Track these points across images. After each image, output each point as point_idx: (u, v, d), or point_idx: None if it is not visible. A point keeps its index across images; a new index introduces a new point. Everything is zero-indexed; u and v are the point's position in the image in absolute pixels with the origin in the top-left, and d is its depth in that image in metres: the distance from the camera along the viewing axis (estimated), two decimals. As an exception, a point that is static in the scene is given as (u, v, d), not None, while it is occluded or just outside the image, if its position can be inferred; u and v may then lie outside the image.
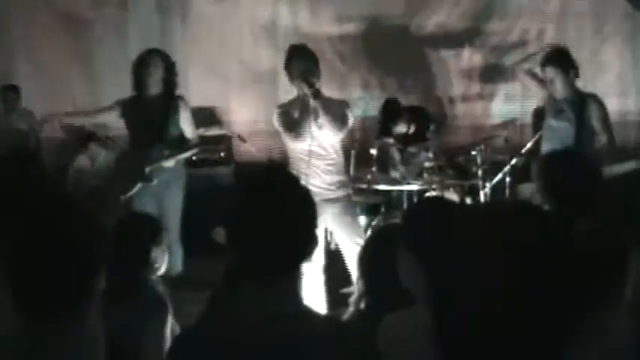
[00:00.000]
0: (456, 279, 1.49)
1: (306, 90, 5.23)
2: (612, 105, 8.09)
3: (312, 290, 5.11)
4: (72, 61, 8.50)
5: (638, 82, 8.26)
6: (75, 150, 8.09)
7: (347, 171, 5.66)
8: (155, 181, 5.80)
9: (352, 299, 2.96)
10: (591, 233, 2.65)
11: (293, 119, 5.36)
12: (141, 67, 5.92)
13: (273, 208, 2.12)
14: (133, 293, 3.31)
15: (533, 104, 7.91)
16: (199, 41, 8.47)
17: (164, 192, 5.91)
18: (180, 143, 5.99)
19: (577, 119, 5.58)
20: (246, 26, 8.44)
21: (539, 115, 7.55)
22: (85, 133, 7.90)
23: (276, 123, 5.46)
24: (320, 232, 5.28)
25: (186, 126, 6.02)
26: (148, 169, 5.81)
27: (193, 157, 7.63)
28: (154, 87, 5.91)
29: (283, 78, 8.29)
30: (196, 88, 8.39)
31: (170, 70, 6.00)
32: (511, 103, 8.29)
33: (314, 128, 5.31)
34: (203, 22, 8.47)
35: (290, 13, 8.44)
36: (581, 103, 5.65)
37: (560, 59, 5.63)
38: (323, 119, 5.30)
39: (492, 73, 8.35)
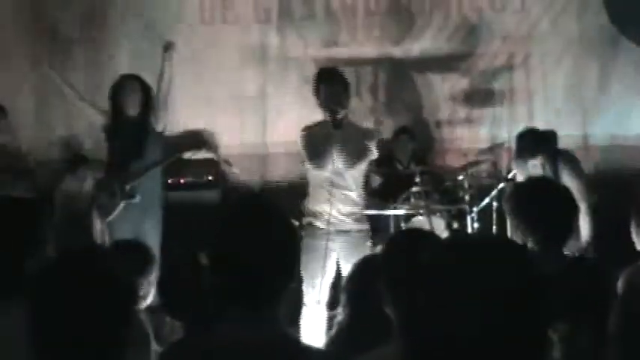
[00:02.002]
0: (424, 315, 1.49)
1: (329, 118, 5.21)
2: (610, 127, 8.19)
3: (316, 318, 5.10)
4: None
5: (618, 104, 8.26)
6: (63, 172, 8.06)
7: (365, 205, 5.60)
8: (138, 198, 5.83)
9: (334, 329, 2.96)
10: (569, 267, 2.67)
11: (315, 146, 5.31)
12: (118, 91, 6.05)
13: (253, 235, 2.13)
14: (123, 324, 3.28)
15: (520, 128, 7.96)
16: (186, 65, 8.45)
17: (142, 217, 5.93)
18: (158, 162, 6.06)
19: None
20: (233, 50, 8.43)
21: (524, 138, 7.58)
22: (76, 156, 7.88)
23: (299, 145, 5.43)
24: (331, 262, 5.26)
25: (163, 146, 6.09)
26: (128, 187, 5.84)
27: (181, 181, 7.66)
28: (132, 111, 6.03)
29: (271, 101, 8.41)
30: (184, 112, 8.38)
31: (147, 94, 6.11)
32: (498, 128, 8.29)
33: (335, 157, 5.26)
34: (190, 46, 8.45)
35: (278, 37, 8.44)
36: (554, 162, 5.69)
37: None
38: (344, 149, 5.27)
39: (479, 97, 8.36)
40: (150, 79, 8.12)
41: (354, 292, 2.90)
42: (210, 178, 7.83)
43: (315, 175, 5.39)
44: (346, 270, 5.21)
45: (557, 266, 3.00)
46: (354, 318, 2.84)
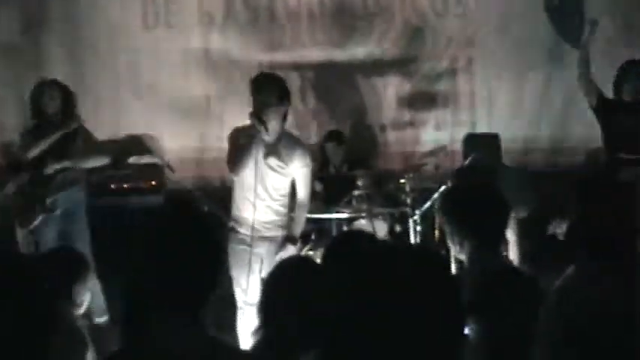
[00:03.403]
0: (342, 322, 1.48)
1: (258, 125, 5.13)
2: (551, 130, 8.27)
3: (247, 320, 5.09)
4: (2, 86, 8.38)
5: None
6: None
7: (289, 211, 5.56)
8: (58, 211, 5.76)
9: (253, 329, 2.95)
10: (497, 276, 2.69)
11: (240, 149, 5.26)
12: (38, 97, 5.97)
13: (174, 240, 2.12)
14: (52, 329, 3.23)
15: (463, 131, 8.01)
16: (129, 69, 8.41)
17: (65, 225, 5.86)
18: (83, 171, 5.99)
19: None
20: (177, 54, 8.39)
21: (470, 142, 7.65)
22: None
23: (228, 145, 5.37)
24: (258, 266, 5.24)
25: (88, 152, 6.03)
26: (49, 200, 5.76)
27: (124, 186, 7.60)
28: (53, 117, 5.95)
29: (215, 105, 8.37)
30: (127, 117, 8.34)
31: (67, 99, 6.03)
32: (441, 131, 8.35)
33: (264, 167, 5.22)
34: (133, 50, 8.40)
35: (221, 41, 8.41)
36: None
37: None
38: (275, 161, 5.23)
39: (423, 101, 8.40)
40: (88, 84, 8.13)
41: (268, 295, 2.90)
42: (153, 182, 7.77)
43: (239, 182, 5.37)
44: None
45: (490, 270, 3.02)
46: (269, 320, 2.84)
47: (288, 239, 5.43)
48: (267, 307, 2.91)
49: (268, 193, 5.33)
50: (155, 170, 7.79)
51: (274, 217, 5.38)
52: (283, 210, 5.45)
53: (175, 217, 2.20)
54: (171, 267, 2.09)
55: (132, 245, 2.19)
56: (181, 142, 8.28)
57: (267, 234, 5.38)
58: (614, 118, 6.42)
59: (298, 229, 5.52)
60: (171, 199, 2.40)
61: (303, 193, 5.46)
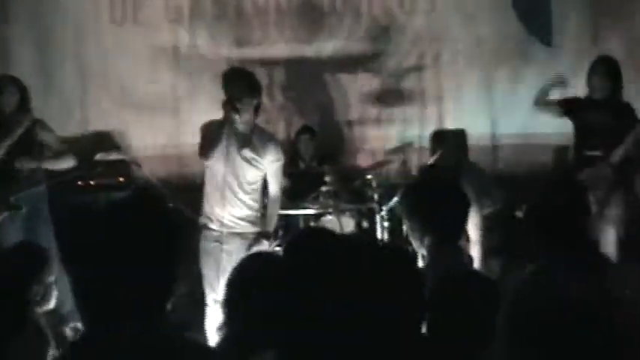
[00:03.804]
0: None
1: (231, 115, 5.14)
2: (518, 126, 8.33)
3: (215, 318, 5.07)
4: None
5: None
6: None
7: (261, 207, 5.54)
8: (23, 209, 5.71)
9: (218, 326, 2.96)
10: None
11: (213, 140, 5.27)
12: None
13: (136, 236, 2.12)
14: (14, 328, 3.21)
15: (430, 128, 8.05)
16: (98, 65, 8.37)
17: (29, 224, 5.82)
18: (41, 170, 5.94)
19: None
20: (145, 50, 8.37)
21: (437, 138, 7.69)
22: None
23: (199, 138, 5.39)
24: (229, 263, 5.21)
25: (50, 148, 5.98)
26: (12, 198, 5.71)
27: (91, 182, 7.55)
28: (11, 113, 5.88)
29: (183, 101, 8.35)
30: (95, 112, 8.30)
31: (24, 95, 5.98)
32: (409, 127, 8.37)
33: (237, 159, 5.22)
34: (101, 46, 8.36)
35: (189, 37, 8.39)
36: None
37: None
38: (241, 151, 5.23)
39: (390, 97, 8.43)
40: (56, 80, 8.08)
41: (236, 291, 2.91)
42: (121, 179, 7.73)
43: (210, 174, 5.37)
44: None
45: (450, 266, 3.04)
46: (238, 317, 2.85)
47: (263, 235, 5.43)
48: (231, 303, 2.92)
49: (241, 186, 5.31)
50: (122, 167, 7.76)
51: (246, 212, 5.37)
52: (255, 205, 5.43)
53: (137, 213, 2.19)
54: (132, 263, 2.09)
55: (93, 241, 2.19)
56: (149, 139, 8.26)
57: (238, 230, 5.36)
58: (582, 117, 6.46)
59: (271, 224, 5.52)
60: (135, 195, 2.39)
61: (275, 187, 5.47)
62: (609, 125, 6.35)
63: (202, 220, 5.43)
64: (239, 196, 5.33)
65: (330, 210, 6.79)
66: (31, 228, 5.80)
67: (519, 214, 5.23)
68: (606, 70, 6.42)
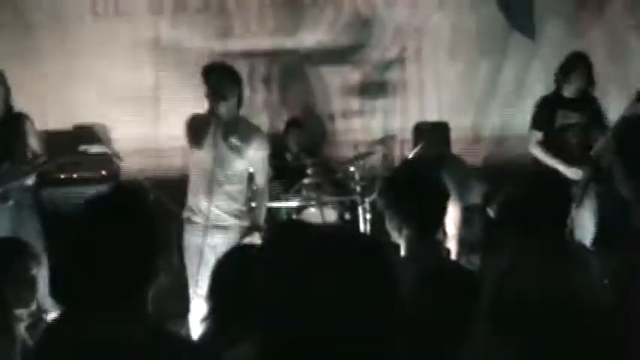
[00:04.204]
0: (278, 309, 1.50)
1: (218, 107, 5.15)
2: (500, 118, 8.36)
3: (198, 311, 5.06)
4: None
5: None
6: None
7: (247, 201, 5.52)
8: (11, 202, 5.68)
9: (201, 318, 2.97)
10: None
11: (200, 131, 5.27)
12: None
13: (116, 228, 2.12)
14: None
15: (412, 120, 8.07)
16: (79, 58, 8.33)
17: (16, 216, 5.78)
18: (29, 161, 5.90)
19: None
20: (126, 42, 8.34)
21: (418, 130, 7.72)
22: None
23: (184, 131, 5.39)
24: (210, 258, 5.19)
25: (35, 144, 5.94)
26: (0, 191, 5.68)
27: (73, 176, 7.53)
28: None
29: (165, 94, 8.34)
30: (77, 106, 8.26)
31: (8, 87, 5.94)
32: (391, 120, 8.39)
33: (223, 148, 5.22)
34: (82, 38, 8.33)
35: (171, 29, 8.38)
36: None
37: None
38: (225, 143, 5.23)
39: (371, 90, 8.44)
40: (37, 73, 8.04)
41: (213, 283, 2.92)
42: (103, 172, 7.71)
43: (195, 166, 5.37)
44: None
45: (428, 258, 3.06)
46: (214, 308, 2.86)
47: (254, 228, 5.42)
48: (213, 295, 2.94)
49: (226, 177, 5.30)
50: (105, 160, 7.73)
51: (231, 205, 5.35)
52: (240, 198, 5.41)
53: (119, 206, 2.20)
54: (114, 255, 2.10)
55: (74, 232, 2.19)
56: (132, 131, 8.24)
57: (223, 223, 5.35)
58: (555, 115, 6.48)
59: (261, 217, 5.52)
60: (117, 188, 2.39)
61: (261, 178, 5.47)
62: (583, 121, 6.43)
63: (186, 213, 5.42)
64: (224, 188, 5.32)
65: (313, 202, 6.80)
66: (18, 223, 5.76)
67: (490, 210, 5.28)
68: (585, 69, 6.44)
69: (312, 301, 1.46)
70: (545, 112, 6.49)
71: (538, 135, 6.50)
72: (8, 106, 5.92)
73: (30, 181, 5.87)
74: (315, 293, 1.46)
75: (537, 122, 6.54)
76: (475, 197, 6.42)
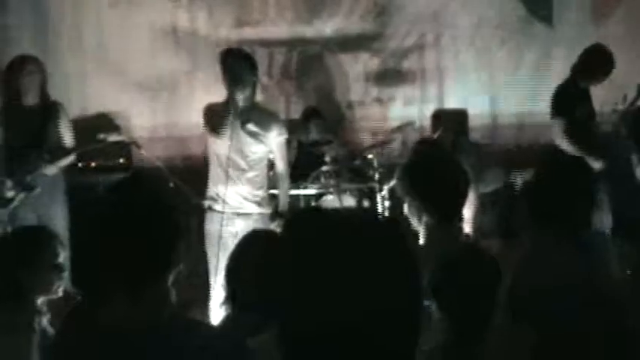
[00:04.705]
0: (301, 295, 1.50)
1: (235, 93, 5.15)
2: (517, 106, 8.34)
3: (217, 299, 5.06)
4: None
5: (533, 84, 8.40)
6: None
7: (267, 188, 5.48)
8: (38, 189, 5.69)
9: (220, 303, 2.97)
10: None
11: (215, 123, 5.26)
12: (16, 73, 5.84)
13: (127, 219, 2.12)
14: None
15: (431, 107, 8.06)
16: (96, 46, 8.35)
17: (45, 199, 5.80)
18: (60, 150, 5.91)
19: None
20: (143, 31, 8.34)
21: (437, 118, 7.70)
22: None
23: (202, 120, 5.39)
24: (230, 245, 5.17)
25: (66, 133, 5.95)
26: (29, 178, 5.69)
27: (92, 164, 7.55)
28: (31, 94, 5.84)
29: (183, 83, 8.35)
30: (95, 94, 8.28)
31: (45, 76, 5.94)
32: (410, 107, 8.38)
33: (241, 134, 5.22)
34: (100, 28, 8.34)
35: (189, 18, 8.38)
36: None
37: None
38: (244, 129, 5.22)
39: (390, 77, 8.43)
40: (54, 62, 8.05)
41: (232, 269, 2.91)
42: (121, 161, 7.73)
43: (214, 153, 5.36)
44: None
45: (449, 243, 3.04)
46: (232, 294, 2.86)
47: (277, 215, 5.40)
48: (232, 280, 2.94)
49: (246, 163, 5.30)
50: (123, 148, 7.75)
51: (251, 192, 5.34)
52: (260, 184, 5.40)
53: (139, 194, 2.20)
54: (131, 242, 2.10)
55: (95, 220, 2.19)
56: (149, 120, 8.26)
57: (243, 210, 5.34)
58: (575, 103, 6.42)
59: (285, 203, 5.51)
60: (136, 176, 2.39)
61: (282, 164, 5.45)
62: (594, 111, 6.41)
63: (207, 201, 5.41)
64: (244, 174, 5.30)
65: (331, 190, 6.80)
66: (44, 209, 5.78)
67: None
68: (610, 68, 6.35)
69: (333, 286, 1.45)
70: (568, 101, 6.40)
71: (563, 123, 6.38)
72: (44, 94, 5.94)
73: (55, 171, 5.89)
74: (336, 278, 1.45)
75: (561, 110, 6.41)
76: (492, 183, 6.40)
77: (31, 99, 5.86)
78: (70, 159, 6.07)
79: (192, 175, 6.03)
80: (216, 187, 5.36)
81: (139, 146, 6.74)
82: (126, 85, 8.30)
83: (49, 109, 5.94)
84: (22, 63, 5.90)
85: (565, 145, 6.27)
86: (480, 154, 6.39)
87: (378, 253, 1.48)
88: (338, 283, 1.43)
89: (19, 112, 5.83)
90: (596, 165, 6.13)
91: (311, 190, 6.82)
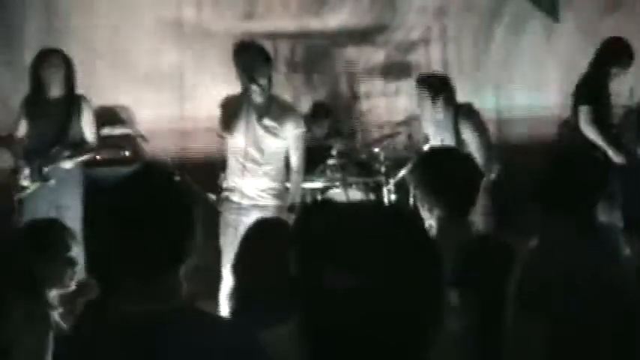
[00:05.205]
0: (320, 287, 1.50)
1: (251, 87, 5.14)
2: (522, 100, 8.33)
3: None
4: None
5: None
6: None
7: (284, 181, 5.50)
8: (53, 181, 5.71)
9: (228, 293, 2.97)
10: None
11: (231, 116, 5.25)
12: (41, 66, 5.86)
13: (140, 209, 2.12)
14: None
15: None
16: (102, 39, 8.33)
17: (60, 191, 5.81)
18: (80, 144, 5.92)
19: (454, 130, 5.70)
20: (149, 23, 8.33)
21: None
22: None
23: (218, 115, 5.38)
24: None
25: (87, 127, 5.96)
26: (45, 169, 5.71)
27: (97, 157, 7.54)
28: (55, 87, 5.87)
29: (188, 76, 8.33)
30: (100, 87, 8.26)
31: (71, 69, 5.97)
32: (415, 100, 8.35)
33: (257, 128, 5.21)
34: (105, 21, 8.33)
35: (194, 11, 8.36)
36: (455, 115, 5.74)
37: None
38: (261, 121, 5.21)
39: (396, 70, 8.42)
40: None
41: (240, 260, 2.92)
42: (126, 153, 7.72)
43: (231, 147, 5.36)
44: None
45: (464, 236, 3.05)
46: (240, 285, 2.86)
47: (290, 208, 5.40)
48: (241, 270, 2.94)
49: (262, 156, 5.30)
50: (128, 141, 7.75)
51: (267, 184, 5.34)
52: (277, 177, 5.41)
53: (146, 187, 2.20)
54: (143, 234, 2.10)
55: (101, 212, 2.20)
56: (155, 113, 8.24)
57: (260, 203, 5.34)
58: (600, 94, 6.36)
59: (297, 196, 5.51)
60: (142, 170, 2.39)
61: (297, 157, 5.44)
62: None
63: (225, 193, 5.42)
64: (261, 167, 5.31)
65: (337, 183, 6.80)
66: (59, 200, 5.80)
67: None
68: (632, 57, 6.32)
69: (356, 277, 1.45)
70: (594, 88, 6.30)
71: (590, 111, 6.22)
72: (69, 88, 5.98)
73: (72, 165, 5.91)
74: (358, 269, 1.45)
75: (588, 97, 6.26)
76: (494, 175, 6.37)
77: (55, 92, 5.90)
78: (89, 155, 6.10)
79: (197, 169, 6.04)
80: (233, 180, 5.36)
81: (145, 139, 6.76)
82: (131, 78, 8.29)
83: (73, 103, 5.98)
84: (47, 56, 5.96)
85: (591, 133, 6.16)
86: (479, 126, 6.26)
87: (401, 244, 1.48)
88: (360, 274, 1.43)
89: (43, 104, 5.88)
90: (618, 159, 6.07)
91: (317, 184, 6.82)
